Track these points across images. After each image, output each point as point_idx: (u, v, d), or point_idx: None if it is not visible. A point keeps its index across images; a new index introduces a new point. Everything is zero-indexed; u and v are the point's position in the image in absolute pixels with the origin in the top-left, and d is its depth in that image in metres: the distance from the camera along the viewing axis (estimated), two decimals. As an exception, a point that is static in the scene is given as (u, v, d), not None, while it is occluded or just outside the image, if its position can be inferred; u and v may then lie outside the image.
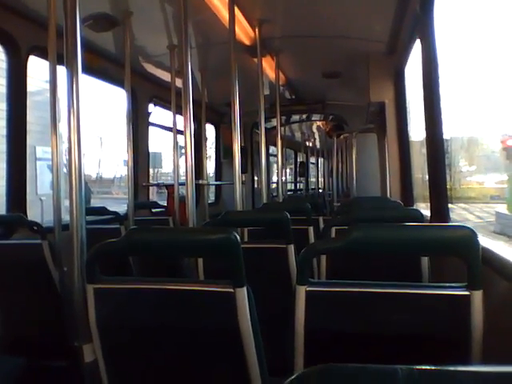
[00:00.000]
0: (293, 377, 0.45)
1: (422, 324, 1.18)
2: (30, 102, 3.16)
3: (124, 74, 3.36)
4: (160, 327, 1.27)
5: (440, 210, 2.54)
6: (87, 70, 3.55)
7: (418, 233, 1.20)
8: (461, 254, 1.15)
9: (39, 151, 10.22)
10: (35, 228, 2.37)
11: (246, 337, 1.19)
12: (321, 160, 12.97)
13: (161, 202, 5.05)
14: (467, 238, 1.13)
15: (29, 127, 3.12)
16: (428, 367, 0.43)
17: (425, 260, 1.99)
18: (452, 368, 0.43)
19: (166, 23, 3.40)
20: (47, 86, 2.63)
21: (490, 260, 1.52)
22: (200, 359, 1.27)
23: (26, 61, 3.06)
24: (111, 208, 3.58)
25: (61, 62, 1.58)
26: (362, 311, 1.21)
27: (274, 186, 9.52)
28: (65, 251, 1.56)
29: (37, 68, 3.27)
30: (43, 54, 2.78)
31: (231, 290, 1.19)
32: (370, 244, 1.18)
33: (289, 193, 10.37)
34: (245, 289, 1.20)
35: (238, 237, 1.21)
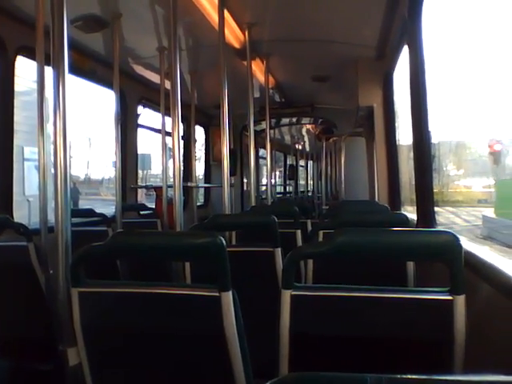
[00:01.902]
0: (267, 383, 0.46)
1: (406, 328, 1.19)
2: (18, 102, 3.14)
3: (113, 75, 3.35)
4: (145, 331, 1.27)
5: (426, 214, 2.56)
6: (76, 70, 3.57)
7: (402, 238, 1.21)
8: (444, 259, 1.16)
9: (27, 152, 10.15)
10: (21, 230, 2.35)
11: (232, 340, 1.19)
12: (310, 163, 13.01)
13: (149, 205, 5.04)
14: (450, 243, 1.14)
15: (16, 127, 3.10)
16: (397, 376, 0.44)
17: (410, 265, 2.01)
18: (421, 377, 0.44)
19: (156, 25, 3.40)
20: (35, 86, 2.62)
21: (474, 265, 1.54)
22: (185, 362, 1.27)
23: (14, 61, 3.04)
24: (99, 210, 3.56)
25: (49, 63, 1.58)
26: (346, 315, 1.21)
27: (264, 188, 9.55)
28: (51, 254, 1.55)
29: (25, 68, 3.25)
30: (31, 54, 2.77)
31: (217, 294, 1.19)
32: (354, 248, 1.19)
33: (278, 195, 10.38)
34: (230, 293, 1.20)
35: (224, 240, 1.21)
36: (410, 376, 0.44)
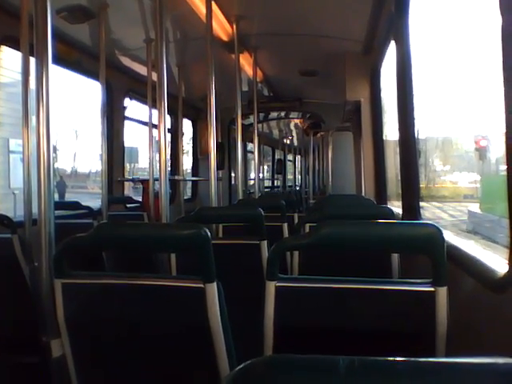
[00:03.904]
0: (239, 367, 0.46)
1: (389, 319, 1.20)
2: (4, 93, 3.10)
3: (99, 66, 3.32)
4: (129, 322, 1.27)
5: (411, 208, 2.58)
6: (62, 61, 3.53)
7: (384, 230, 1.22)
8: (426, 251, 1.18)
9: (12, 144, 10.03)
10: (5, 222, 2.33)
11: (216, 331, 1.20)
12: (298, 157, 13.04)
13: (137, 198, 5.01)
14: (432, 235, 1.15)
15: (2, 119, 3.06)
16: (369, 358, 0.45)
17: (395, 257, 2.03)
18: (391, 359, 0.45)
19: (143, 16, 3.37)
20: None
21: (456, 257, 1.56)
22: (169, 354, 1.27)
23: None
24: (86, 203, 3.54)
25: (33, 53, 1.56)
26: (330, 306, 1.22)
27: (252, 182, 9.55)
28: (35, 246, 1.54)
29: (11, 59, 3.21)
30: (16, 44, 2.73)
31: (201, 286, 1.19)
32: (338, 240, 1.20)
33: (266, 190, 10.40)
34: (215, 284, 1.20)
35: (209, 232, 1.22)
36: (381, 358, 0.45)
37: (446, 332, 1.14)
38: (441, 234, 1.16)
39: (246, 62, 4.29)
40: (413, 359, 0.44)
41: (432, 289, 1.15)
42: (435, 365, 0.45)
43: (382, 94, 3.93)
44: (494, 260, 1.44)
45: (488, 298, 1.31)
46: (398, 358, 0.44)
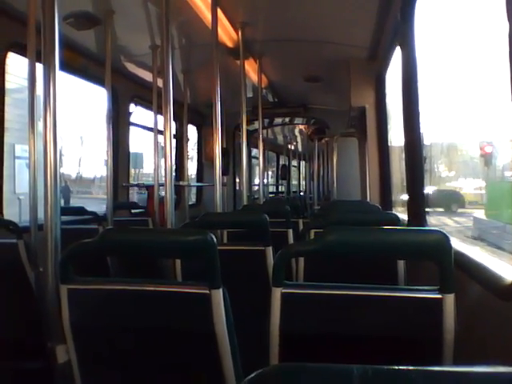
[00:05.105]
0: (251, 375, 0.46)
1: (396, 326, 1.19)
2: (10, 99, 3.12)
3: (105, 73, 3.34)
4: (134, 328, 1.26)
5: (417, 214, 2.57)
6: (68, 68, 3.55)
7: (391, 236, 1.21)
8: (433, 257, 1.17)
9: (18, 149, 10.09)
10: (11, 227, 2.34)
11: (222, 338, 1.19)
12: (302, 163, 13.05)
13: (142, 203, 5.02)
14: (440, 241, 1.15)
15: (7, 125, 3.08)
16: (382, 367, 0.44)
17: (401, 263, 2.02)
18: (404, 367, 0.44)
19: (149, 23, 3.39)
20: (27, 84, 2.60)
21: (463, 264, 1.55)
22: (175, 360, 1.27)
23: (5, 57, 3.01)
24: (91, 208, 3.54)
25: (40, 60, 1.57)
26: (337, 313, 1.22)
27: (257, 188, 9.55)
28: (41, 251, 1.54)
29: (17, 65, 3.23)
30: (23, 50, 2.75)
31: (207, 292, 1.19)
32: (343, 247, 1.20)
33: (270, 195, 10.40)
34: (220, 290, 1.20)
35: (214, 238, 1.21)
36: (394, 367, 0.44)
37: (453, 339, 1.13)
38: (448, 240, 1.15)
39: (250, 68, 4.30)
40: (426, 368, 0.44)
41: (439, 296, 1.14)
42: (448, 374, 0.45)
43: (387, 100, 3.93)
44: (500, 266, 1.43)
45: (496, 305, 1.30)
46: (410, 367, 0.44)
